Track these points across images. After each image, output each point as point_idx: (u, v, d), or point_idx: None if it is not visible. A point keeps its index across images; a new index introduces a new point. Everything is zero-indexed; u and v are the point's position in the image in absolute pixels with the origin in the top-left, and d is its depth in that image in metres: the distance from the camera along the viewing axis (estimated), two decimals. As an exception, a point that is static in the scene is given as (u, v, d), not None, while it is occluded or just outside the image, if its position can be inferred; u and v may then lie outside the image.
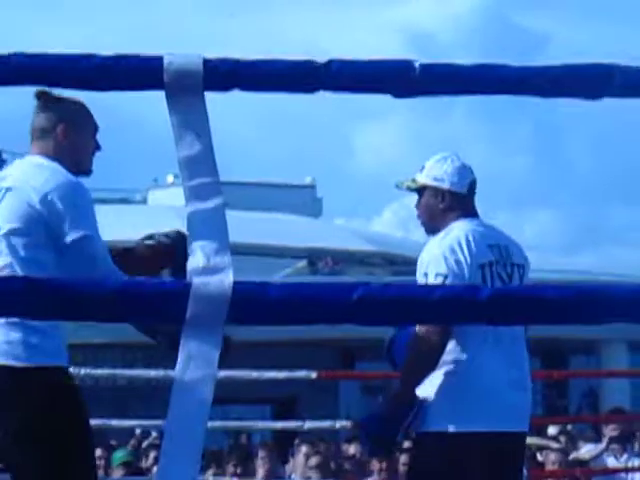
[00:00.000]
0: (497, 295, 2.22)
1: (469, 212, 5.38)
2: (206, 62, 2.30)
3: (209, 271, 2.19)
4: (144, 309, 2.23)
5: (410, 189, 5.51)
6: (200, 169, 2.29)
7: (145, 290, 2.24)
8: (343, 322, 2.26)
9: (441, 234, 5.29)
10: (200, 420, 2.21)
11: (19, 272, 4.43)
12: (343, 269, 29.38)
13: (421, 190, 5.45)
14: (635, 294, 2.31)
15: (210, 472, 10.49)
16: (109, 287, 2.20)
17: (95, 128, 5.08)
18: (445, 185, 5.36)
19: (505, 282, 5.15)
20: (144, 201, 49.65)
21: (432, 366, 5.13)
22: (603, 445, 11.83)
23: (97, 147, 5.08)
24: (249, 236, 25.69)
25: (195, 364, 2.20)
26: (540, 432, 12.89)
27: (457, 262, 5.11)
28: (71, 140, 4.87)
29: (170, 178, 50.98)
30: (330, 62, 2.31)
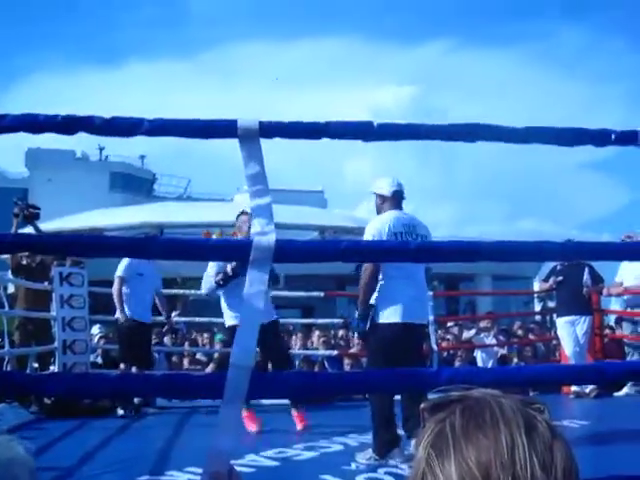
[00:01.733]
0: (420, 245, 2.23)
1: (395, 207, 5.40)
2: (260, 123, 2.31)
3: (263, 233, 2.21)
4: (231, 253, 2.26)
5: (372, 193, 5.59)
6: (257, 181, 2.31)
7: (230, 243, 2.28)
8: (336, 261, 2.28)
9: (375, 220, 5.41)
10: (258, 312, 2.21)
11: None
12: (339, 237, 29.41)
13: (375, 194, 5.55)
14: (497, 246, 2.32)
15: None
16: (214, 243, 2.24)
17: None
18: (379, 192, 5.48)
19: None
20: (232, 200, 49.56)
21: (372, 286, 5.21)
22: (474, 331, 11.81)
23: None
24: (285, 219, 25.74)
25: (255, 284, 2.21)
26: (444, 324, 12.84)
27: (379, 230, 5.18)
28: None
29: (246, 187, 50.96)
30: (328, 123, 2.32)
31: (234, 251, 2.24)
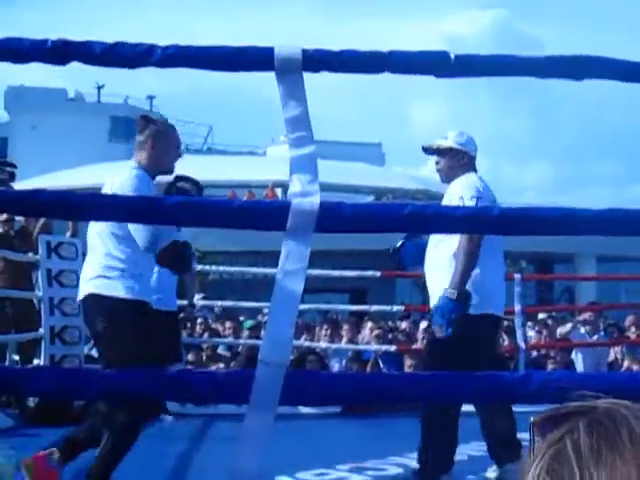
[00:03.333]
0: (505, 213, 2.21)
1: (475, 169, 5.33)
2: (304, 51, 2.30)
3: (303, 194, 2.21)
4: (262, 219, 2.26)
5: (439, 149, 5.43)
6: (299, 126, 2.31)
7: (261, 206, 2.28)
8: (396, 231, 2.27)
9: (462, 178, 5.25)
10: (295, 296, 2.22)
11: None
12: (399, 201, 29.37)
13: (445, 151, 5.38)
14: (600, 215, 2.28)
15: (303, 337, 10.54)
16: (240, 205, 2.25)
17: (177, 142, 5.17)
18: (465, 149, 5.32)
19: None
20: (264, 154, 49.69)
21: (474, 262, 5.05)
22: (570, 325, 11.73)
23: (178, 155, 5.13)
24: (334, 178, 25.75)
25: (292, 259, 2.21)
26: (534, 318, 12.78)
27: (484, 195, 5.04)
28: (157, 150, 4.92)
29: (282, 137, 51.09)
30: (392, 52, 2.30)
31: (267, 216, 2.24)
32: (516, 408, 6.51)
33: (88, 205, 2.20)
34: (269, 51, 2.28)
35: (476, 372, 2.30)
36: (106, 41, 2.32)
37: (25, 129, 45.92)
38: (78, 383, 2.05)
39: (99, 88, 48.74)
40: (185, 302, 8.73)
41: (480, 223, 2.24)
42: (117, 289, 4.59)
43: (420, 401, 2.14)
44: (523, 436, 6.58)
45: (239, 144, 49.86)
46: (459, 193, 5.11)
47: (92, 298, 4.55)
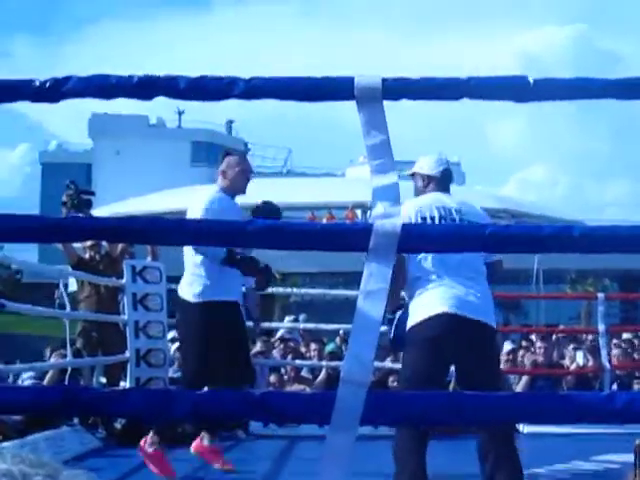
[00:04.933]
0: (587, 232, 2.23)
1: (441, 190, 5.41)
2: (383, 80, 2.36)
3: (385, 216, 2.26)
4: (345, 240, 2.32)
5: (410, 175, 5.64)
6: (381, 153, 2.36)
7: (344, 227, 2.35)
8: (478, 251, 2.31)
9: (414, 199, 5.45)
10: (376, 316, 2.26)
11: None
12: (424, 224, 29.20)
13: (412, 176, 5.59)
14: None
15: (388, 359, 10.51)
16: (321, 227, 2.32)
17: (245, 169, 6.39)
18: (424, 172, 5.47)
19: None
20: (343, 175, 49.84)
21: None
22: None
23: (248, 179, 6.38)
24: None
25: (374, 279, 2.26)
26: (618, 337, 12.56)
27: (407, 215, 5.01)
28: (230, 176, 6.28)
29: (361, 158, 51.27)
30: (470, 79, 2.35)
31: (349, 238, 2.30)
32: (603, 429, 6.49)
33: (179, 230, 2.28)
34: (349, 81, 2.34)
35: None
36: (190, 76, 2.40)
37: (109, 155, 46.81)
38: (167, 404, 2.12)
39: (180, 114, 49.52)
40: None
41: (563, 243, 2.27)
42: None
43: (503, 422, 2.14)
44: (618, 457, 6.58)
45: (318, 166, 50.19)
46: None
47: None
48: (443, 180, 5.45)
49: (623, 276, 31.27)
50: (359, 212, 34.53)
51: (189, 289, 6.33)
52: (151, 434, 6.22)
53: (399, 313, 5.26)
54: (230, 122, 51.77)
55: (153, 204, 34.37)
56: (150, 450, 6.20)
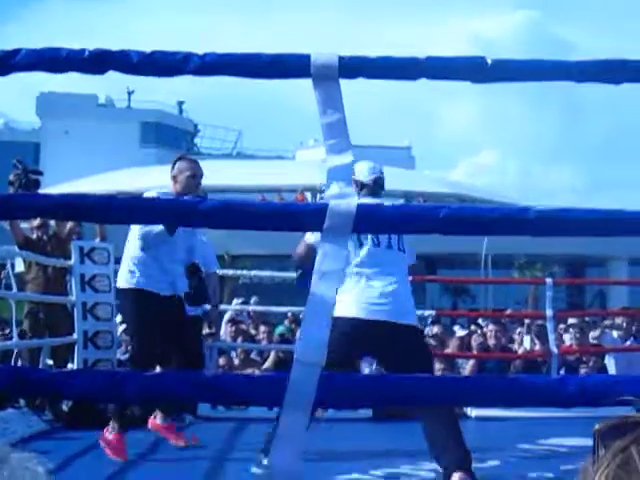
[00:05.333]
0: (541, 214, 2.22)
1: (372, 196, 5.73)
2: (340, 58, 2.33)
3: (340, 196, 2.24)
4: (299, 221, 2.29)
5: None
6: (336, 133, 2.33)
7: (298, 208, 2.32)
8: (433, 233, 2.30)
9: None
10: (331, 297, 2.24)
11: None
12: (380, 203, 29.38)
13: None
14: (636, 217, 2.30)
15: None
16: (275, 207, 2.28)
17: (196, 174, 6.56)
18: (359, 178, 5.79)
19: None
20: (293, 158, 49.78)
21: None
22: (598, 331, 11.66)
23: (198, 183, 6.58)
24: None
25: (329, 260, 2.24)
26: (565, 321, 12.68)
27: None
28: (178, 181, 6.52)
29: (311, 141, 51.28)
30: (428, 58, 2.33)
31: (303, 218, 2.27)
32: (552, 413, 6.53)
33: (128, 208, 2.23)
34: (305, 58, 2.31)
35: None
36: (143, 50, 2.35)
37: (57, 134, 46.25)
38: (115, 386, 2.08)
39: (129, 93, 49.01)
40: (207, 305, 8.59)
41: (516, 224, 2.26)
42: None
43: (452, 405, 2.13)
44: (580, 441, 6.64)
45: (268, 148, 50.06)
46: None
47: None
48: (375, 187, 5.86)
49: (570, 262, 31.63)
50: (309, 195, 34.54)
51: (124, 276, 6.71)
52: (111, 421, 6.42)
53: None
54: (180, 103, 51.39)
55: (101, 185, 34.07)
56: (110, 437, 6.37)
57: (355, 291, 5.42)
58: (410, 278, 8.19)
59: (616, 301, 28.24)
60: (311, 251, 5.58)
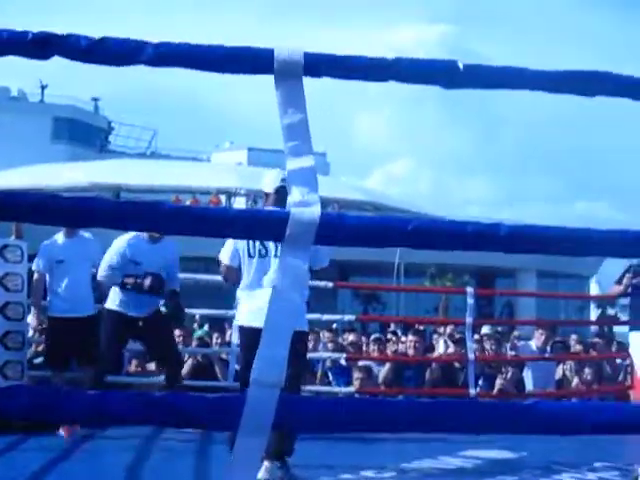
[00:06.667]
0: (514, 231, 2.11)
1: (277, 206, 6.01)
2: (306, 55, 2.18)
3: (303, 204, 2.09)
4: (257, 229, 2.14)
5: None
6: (297, 134, 2.18)
7: (259, 215, 2.16)
8: (399, 246, 2.16)
9: None
10: (292, 311, 2.09)
11: None
12: (344, 213, 29.38)
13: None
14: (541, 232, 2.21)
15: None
16: (235, 214, 2.11)
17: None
18: (263, 188, 6.26)
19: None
20: (208, 160, 49.47)
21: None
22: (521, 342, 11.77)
23: None
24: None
25: (289, 272, 2.09)
26: (478, 330, 12.73)
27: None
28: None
29: (227, 144, 51.02)
30: (399, 60, 2.19)
31: (264, 226, 2.11)
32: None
33: (87, 210, 2.04)
34: (268, 53, 2.15)
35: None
36: (92, 35, 2.16)
37: (-36, 126, 45.07)
38: (57, 404, 1.90)
39: (43, 87, 48.03)
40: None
41: (488, 240, 2.14)
42: None
43: (422, 430, 2.00)
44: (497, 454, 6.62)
45: (183, 149, 49.55)
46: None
47: None
48: (279, 197, 6.03)
49: (481, 272, 32.00)
50: (223, 198, 34.29)
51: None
52: None
53: None
54: (96, 99, 50.52)
55: (10, 180, 33.23)
56: None
57: (247, 301, 6.02)
58: (323, 283, 8.48)
59: (524, 312, 28.68)
60: (232, 271, 6.27)
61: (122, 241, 7.79)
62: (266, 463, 5.66)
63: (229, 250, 6.25)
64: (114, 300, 7.90)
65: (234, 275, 6.26)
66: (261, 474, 5.64)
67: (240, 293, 6.28)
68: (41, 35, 2.13)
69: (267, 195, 6.19)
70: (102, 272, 7.80)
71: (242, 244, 6.09)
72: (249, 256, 6.06)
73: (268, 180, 6.21)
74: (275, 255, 5.91)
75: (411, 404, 2.04)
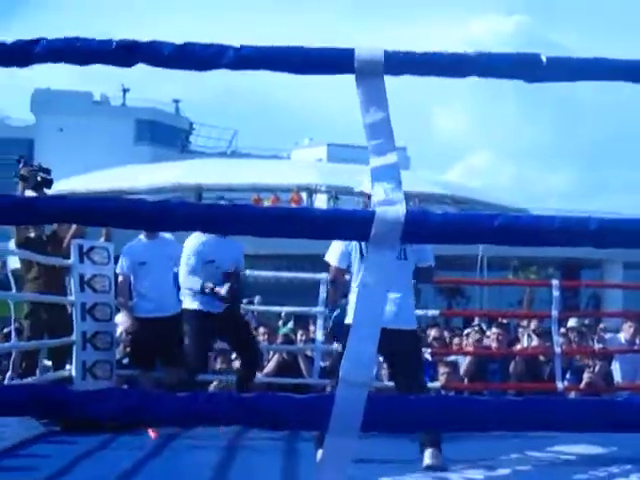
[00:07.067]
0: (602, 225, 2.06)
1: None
2: (386, 53, 2.18)
3: (387, 202, 2.08)
4: (342, 228, 2.14)
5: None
6: (380, 133, 2.18)
7: (344, 215, 2.16)
8: (486, 243, 2.14)
9: None
10: (378, 311, 2.08)
11: None
12: (425, 207, 29.19)
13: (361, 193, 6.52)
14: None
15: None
16: (319, 214, 2.12)
17: None
18: (367, 190, 6.13)
19: None
20: (288, 157, 49.69)
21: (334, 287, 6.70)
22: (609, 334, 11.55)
23: None
24: (352, 182, 25.66)
25: (375, 271, 2.09)
26: (563, 323, 12.55)
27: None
28: None
29: (306, 141, 51.16)
30: (480, 55, 2.17)
31: (349, 225, 2.11)
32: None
33: (171, 214, 2.07)
34: (349, 53, 2.15)
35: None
36: (175, 42, 2.19)
37: (51, 131, 46.05)
38: (147, 407, 1.92)
39: (125, 91, 48.82)
40: None
41: (577, 236, 2.10)
42: None
43: (512, 429, 1.98)
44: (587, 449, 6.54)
45: (263, 147, 49.85)
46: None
47: None
48: None
49: (565, 264, 31.57)
50: (304, 195, 34.37)
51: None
52: None
53: (336, 312, 6.52)
54: (176, 101, 51.17)
55: (95, 183, 33.82)
56: None
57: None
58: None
59: (611, 304, 28.18)
60: (341, 273, 6.24)
61: (196, 240, 7.84)
62: (428, 450, 5.79)
63: (338, 251, 6.15)
64: (191, 300, 7.96)
65: (343, 277, 6.24)
66: (428, 460, 5.81)
67: (352, 295, 6.01)
68: (125, 43, 2.17)
69: (369, 197, 5.91)
70: (184, 279, 7.90)
71: (354, 244, 5.99)
72: (361, 255, 5.95)
73: (368, 182, 6.07)
74: None
75: (501, 402, 2.02)
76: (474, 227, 2.11)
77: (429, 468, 5.83)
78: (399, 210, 2.06)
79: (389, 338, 5.62)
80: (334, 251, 6.17)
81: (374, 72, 2.16)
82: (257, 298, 14.37)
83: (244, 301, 11.29)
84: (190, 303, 7.93)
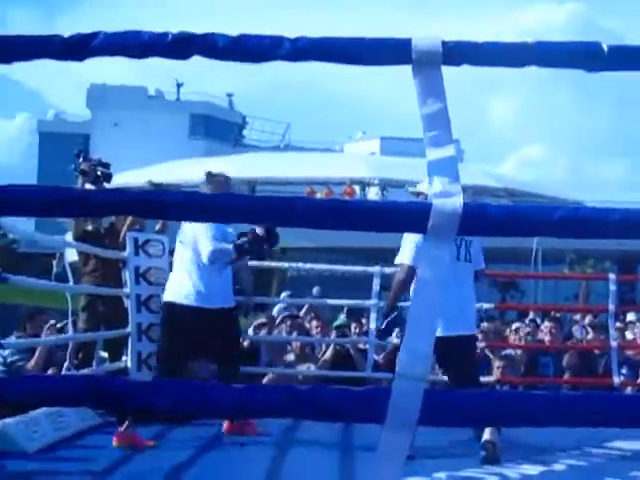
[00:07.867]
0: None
1: None
2: (444, 43, 2.15)
3: (445, 195, 2.06)
4: (402, 220, 2.12)
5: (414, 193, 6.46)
6: (437, 124, 2.15)
7: (400, 207, 2.13)
8: (545, 235, 2.11)
9: None
10: (434, 304, 2.06)
11: None
12: (477, 200, 28.95)
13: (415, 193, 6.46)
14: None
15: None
16: (374, 206, 2.10)
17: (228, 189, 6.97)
18: (425, 192, 5.87)
19: None
20: (341, 150, 49.64)
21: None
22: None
23: None
24: (413, 175, 25.51)
25: (432, 265, 2.06)
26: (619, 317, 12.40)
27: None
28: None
29: (359, 134, 51.09)
30: (539, 43, 2.13)
31: (406, 217, 2.09)
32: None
33: (225, 206, 2.07)
34: (406, 43, 2.13)
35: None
36: (230, 34, 2.18)
37: (107, 126, 46.52)
38: (203, 398, 1.92)
39: (179, 86, 49.15)
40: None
41: (638, 228, 2.06)
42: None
43: (567, 425, 1.95)
44: None
45: (316, 141, 49.84)
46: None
47: None
48: None
49: (622, 257, 31.14)
50: (357, 188, 34.29)
51: (179, 290, 6.91)
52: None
53: (393, 315, 6.33)
54: (230, 95, 51.41)
55: (151, 177, 34.05)
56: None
57: None
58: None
59: (668, 299, 27.79)
60: (415, 272, 5.81)
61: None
62: (489, 428, 5.81)
63: (412, 250, 5.90)
64: (185, 294, 7.02)
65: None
66: (487, 435, 5.91)
67: None
68: (181, 35, 2.16)
69: (426, 197, 5.84)
70: (209, 246, 6.75)
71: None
72: None
73: (426, 183, 5.82)
74: (457, 258, 5.97)
75: (557, 398, 1.99)
76: (533, 219, 2.07)
77: (487, 443, 5.87)
78: (456, 202, 2.04)
79: (449, 344, 5.59)
80: (407, 250, 5.93)
81: (432, 62, 2.13)
82: (316, 289, 14.34)
83: (287, 293, 11.24)
84: (183, 297, 6.96)
